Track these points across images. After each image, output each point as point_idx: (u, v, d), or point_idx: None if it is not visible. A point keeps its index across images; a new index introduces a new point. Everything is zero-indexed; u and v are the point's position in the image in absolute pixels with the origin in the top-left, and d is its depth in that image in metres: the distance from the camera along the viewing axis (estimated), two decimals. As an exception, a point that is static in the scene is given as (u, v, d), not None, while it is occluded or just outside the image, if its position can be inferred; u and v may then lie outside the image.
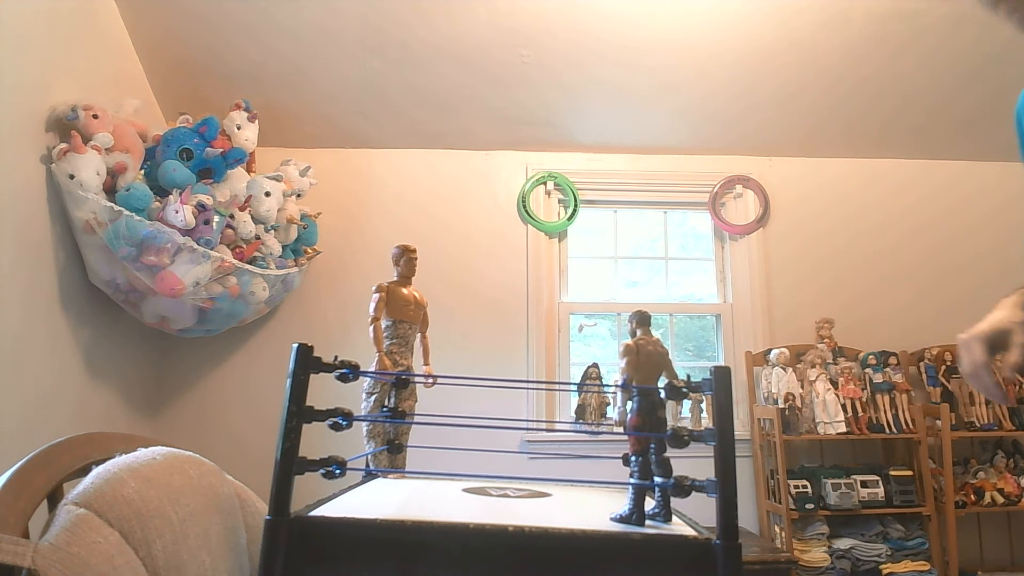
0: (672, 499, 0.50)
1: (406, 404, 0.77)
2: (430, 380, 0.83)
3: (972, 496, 2.42)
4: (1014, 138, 0.90)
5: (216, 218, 2.02)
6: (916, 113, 2.67)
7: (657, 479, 0.50)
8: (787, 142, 2.80)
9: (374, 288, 0.85)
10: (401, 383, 0.76)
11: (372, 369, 0.73)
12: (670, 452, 0.51)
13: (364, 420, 0.65)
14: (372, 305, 0.84)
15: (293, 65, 2.40)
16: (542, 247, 2.74)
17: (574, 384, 2.74)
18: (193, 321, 2.19)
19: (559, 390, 2.63)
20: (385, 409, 0.71)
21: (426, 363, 0.94)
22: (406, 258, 0.89)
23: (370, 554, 0.45)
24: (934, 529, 2.37)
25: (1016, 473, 2.50)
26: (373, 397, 0.74)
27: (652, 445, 0.50)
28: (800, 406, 2.47)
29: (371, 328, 0.83)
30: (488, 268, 2.70)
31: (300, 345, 0.48)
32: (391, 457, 0.73)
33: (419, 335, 0.91)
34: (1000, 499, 2.42)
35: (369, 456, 0.72)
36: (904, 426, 2.47)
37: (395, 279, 0.89)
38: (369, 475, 0.71)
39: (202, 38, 2.29)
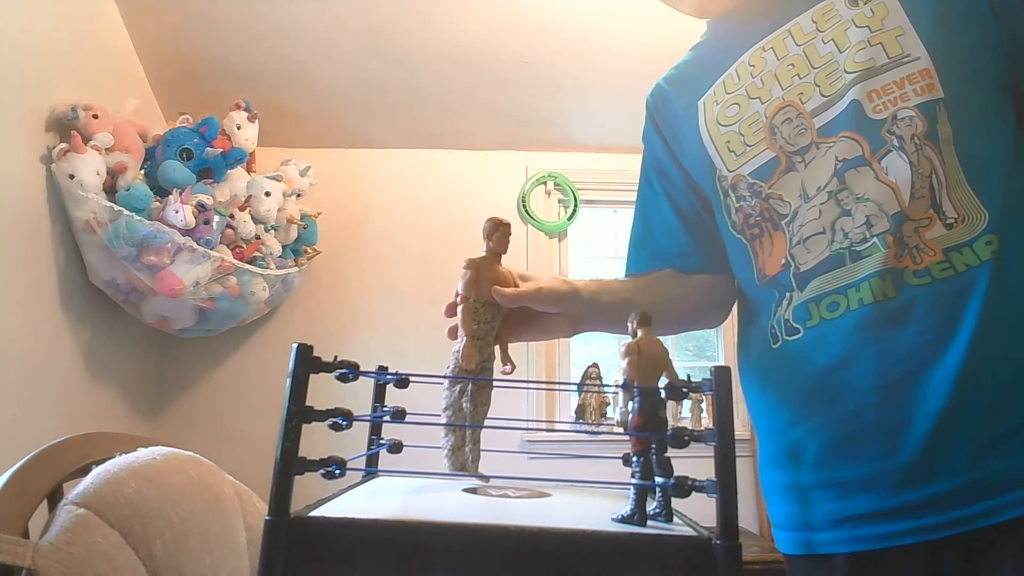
0: (672, 499, 0.50)
1: (483, 394, 0.72)
2: (508, 368, 0.74)
3: (972, 496, 2.42)
4: None
5: (216, 218, 2.02)
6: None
7: (658, 479, 0.50)
8: (787, 142, 2.80)
9: (464, 264, 0.72)
10: (481, 370, 0.69)
11: (455, 354, 0.69)
12: (670, 452, 0.50)
13: (364, 420, 0.64)
14: (461, 283, 0.71)
15: (293, 65, 2.40)
16: (542, 247, 2.74)
17: (574, 384, 2.74)
18: (193, 321, 2.19)
19: (559, 390, 2.63)
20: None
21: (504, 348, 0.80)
22: (500, 233, 0.75)
23: (370, 554, 0.44)
24: (934, 529, 2.37)
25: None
26: (457, 387, 0.69)
27: (653, 445, 0.50)
28: (800, 406, 2.47)
29: (460, 308, 0.70)
30: (488, 268, 2.69)
31: (300, 345, 0.48)
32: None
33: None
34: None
35: (447, 452, 0.69)
36: (904, 426, 2.47)
37: (485, 255, 0.75)
38: (369, 475, 0.71)
39: (202, 38, 2.29)
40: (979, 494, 0.62)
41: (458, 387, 0.68)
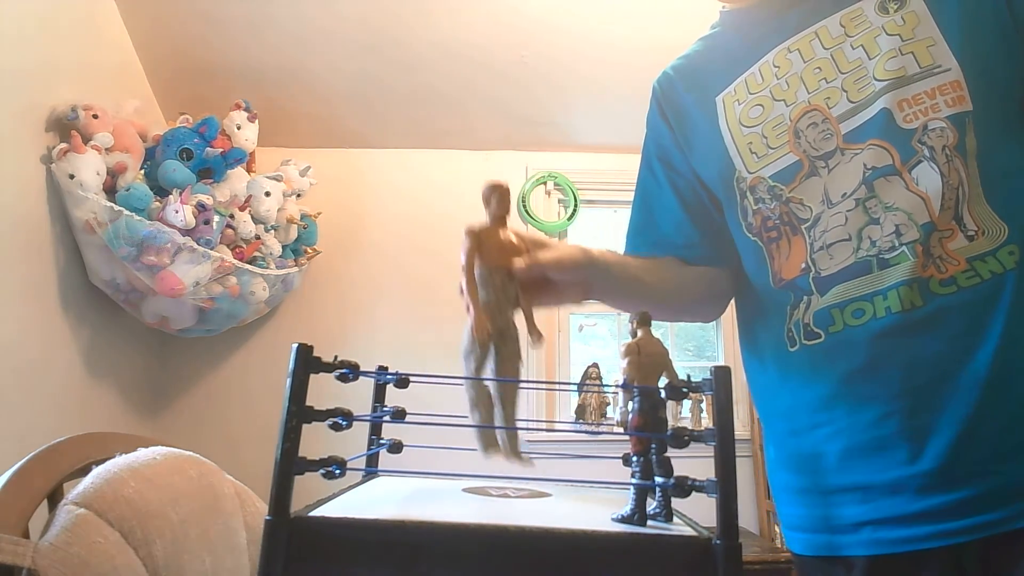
0: (672, 499, 0.50)
1: (508, 365, 0.63)
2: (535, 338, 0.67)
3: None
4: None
5: (216, 218, 2.02)
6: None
7: (658, 479, 0.50)
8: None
9: (465, 231, 0.67)
10: (500, 338, 0.62)
11: (468, 327, 0.65)
12: (670, 452, 0.50)
13: (364, 420, 0.64)
14: (462, 254, 0.66)
15: (293, 65, 2.40)
16: (542, 247, 2.74)
17: (574, 384, 2.74)
18: (193, 321, 2.19)
19: (559, 390, 2.63)
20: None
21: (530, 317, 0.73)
22: (497, 195, 0.69)
23: (370, 554, 0.45)
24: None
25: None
26: (473, 362, 0.65)
27: (653, 445, 0.50)
28: (800, 406, 2.47)
29: (462, 280, 0.66)
30: (488, 268, 2.69)
31: (300, 345, 0.48)
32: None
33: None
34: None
35: (476, 432, 0.63)
36: (904, 426, 2.47)
37: (487, 222, 0.70)
38: (369, 475, 0.71)
39: (202, 38, 2.29)
40: (1002, 500, 0.63)
41: (474, 362, 0.62)
